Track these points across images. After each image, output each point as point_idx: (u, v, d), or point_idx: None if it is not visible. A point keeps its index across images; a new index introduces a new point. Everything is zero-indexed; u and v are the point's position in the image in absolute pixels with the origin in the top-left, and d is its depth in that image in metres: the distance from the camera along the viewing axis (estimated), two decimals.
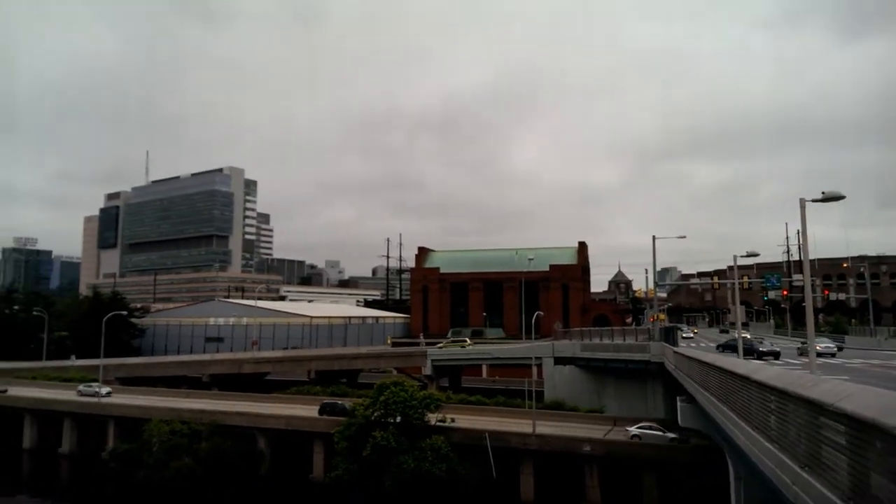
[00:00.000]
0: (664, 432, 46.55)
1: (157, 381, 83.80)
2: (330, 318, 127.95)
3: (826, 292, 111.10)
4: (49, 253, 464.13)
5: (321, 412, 58.11)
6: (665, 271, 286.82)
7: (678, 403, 39.31)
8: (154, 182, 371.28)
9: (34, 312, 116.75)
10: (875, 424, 8.07)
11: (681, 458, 43.90)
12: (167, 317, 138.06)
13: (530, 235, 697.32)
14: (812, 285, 31.98)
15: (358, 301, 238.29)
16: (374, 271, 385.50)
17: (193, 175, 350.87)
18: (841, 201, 27.66)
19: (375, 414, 49.57)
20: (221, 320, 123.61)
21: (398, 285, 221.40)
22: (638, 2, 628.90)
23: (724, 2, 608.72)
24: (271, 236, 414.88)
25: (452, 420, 50.82)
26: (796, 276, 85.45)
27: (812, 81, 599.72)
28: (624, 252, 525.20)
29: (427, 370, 79.26)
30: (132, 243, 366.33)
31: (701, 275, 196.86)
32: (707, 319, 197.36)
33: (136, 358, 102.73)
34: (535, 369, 67.55)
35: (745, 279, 68.96)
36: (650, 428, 47.77)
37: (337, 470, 48.64)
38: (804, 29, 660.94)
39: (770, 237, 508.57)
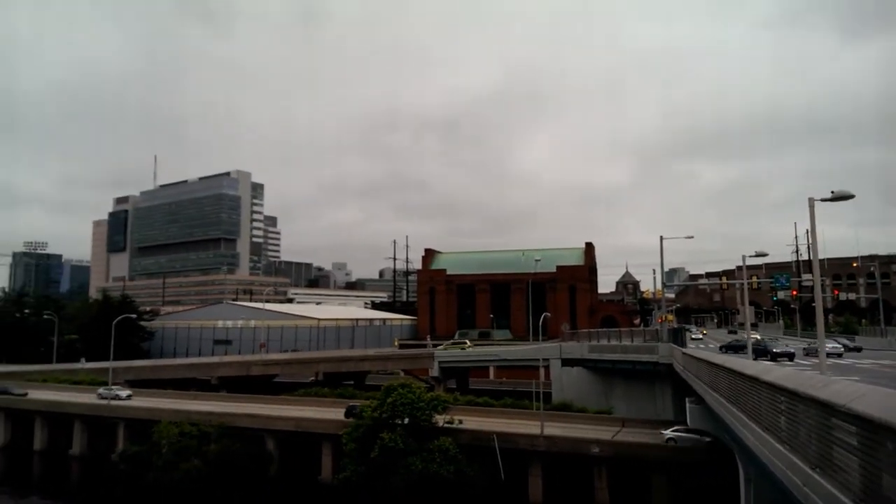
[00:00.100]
0: (700, 436, 45.00)
1: (166, 383, 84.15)
2: (337, 320, 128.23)
3: (836, 292, 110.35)
4: (59, 257, 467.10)
5: (347, 415, 57.57)
6: (673, 272, 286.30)
7: (687, 405, 39.24)
8: (162, 186, 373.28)
9: (44, 316, 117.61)
10: (887, 425, 8.02)
11: (690, 460, 43.65)
12: (176, 319, 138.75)
13: (536, 236, 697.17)
14: (822, 285, 31.77)
15: (365, 303, 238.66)
16: (381, 273, 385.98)
17: (201, 179, 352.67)
18: (851, 200, 27.48)
19: (383, 416, 49.58)
20: (230, 323, 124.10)
21: (405, 287, 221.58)
22: (639, 1, 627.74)
23: (726, 1, 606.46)
24: (279, 239, 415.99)
25: (460, 422, 50.75)
26: (806, 276, 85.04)
27: (818, 80, 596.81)
28: (631, 252, 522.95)
29: (434, 372, 79.29)
30: (141, 247, 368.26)
31: (709, 275, 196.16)
32: (716, 320, 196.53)
33: (146, 361, 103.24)
34: (542, 371, 67.43)
35: (754, 279, 68.76)
36: (686, 431, 46.55)
37: (345, 471, 48.66)
38: (807, 28, 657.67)
39: (779, 237, 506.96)
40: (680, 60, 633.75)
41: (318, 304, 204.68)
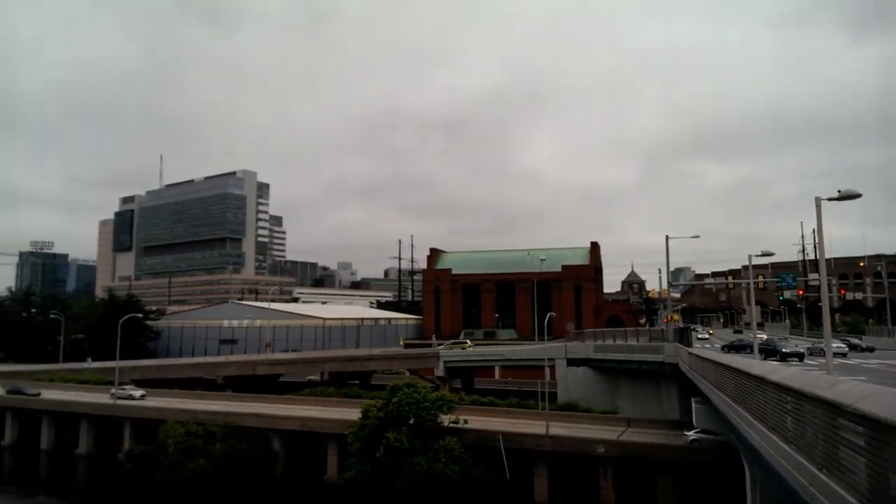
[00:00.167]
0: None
1: (172, 382, 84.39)
2: (342, 319, 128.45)
3: (842, 292, 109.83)
4: (65, 256, 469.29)
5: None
6: (679, 271, 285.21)
7: (693, 405, 39.09)
8: (168, 186, 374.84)
9: (51, 315, 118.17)
10: (894, 426, 7.99)
11: (696, 460, 43.54)
12: (182, 319, 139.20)
13: (541, 235, 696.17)
14: (828, 285, 31.65)
15: (370, 303, 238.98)
16: (387, 272, 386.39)
17: (207, 178, 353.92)
18: (857, 199, 27.34)
19: (388, 415, 49.58)
20: (235, 322, 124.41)
21: (410, 287, 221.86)
22: (640, 1, 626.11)
23: (726, 1, 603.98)
24: (284, 238, 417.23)
25: (465, 421, 50.71)
26: (812, 276, 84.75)
27: (822, 79, 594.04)
28: (637, 252, 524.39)
29: (439, 371, 79.30)
30: (147, 246, 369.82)
31: (715, 274, 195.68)
32: (722, 320, 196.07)
33: (152, 360, 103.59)
34: (547, 370, 67.36)
35: (761, 279, 68.43)
36: (708, 432, 45.89)
37: (350, 471, 48.71)
38: (811, 27, 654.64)
39: (785, 236, 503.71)
40: (682, 60, 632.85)
41: (323, 303, 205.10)
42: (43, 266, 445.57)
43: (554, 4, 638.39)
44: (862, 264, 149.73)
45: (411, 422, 48.39)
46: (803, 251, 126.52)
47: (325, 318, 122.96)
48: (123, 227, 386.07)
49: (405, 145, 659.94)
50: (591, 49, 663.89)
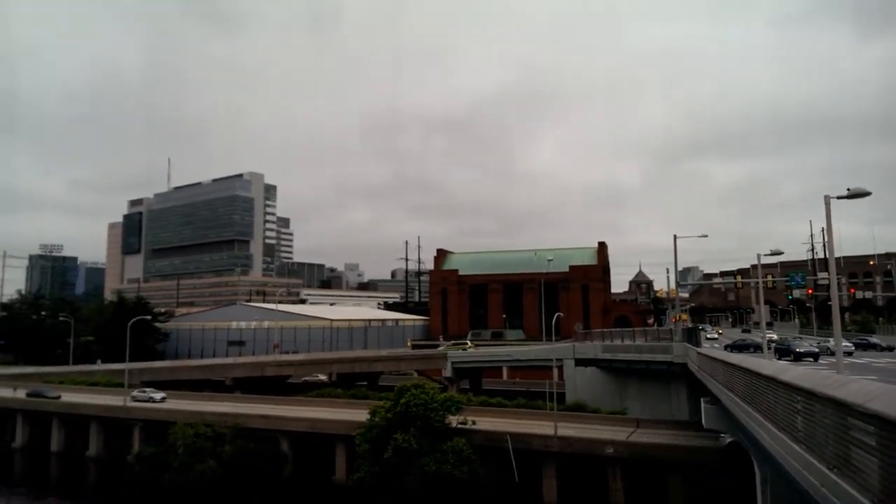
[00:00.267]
0: None
1: (181, 384, 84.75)
2: (350, 320, 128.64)
3: (852, 291, 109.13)
4: (74, 259, 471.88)
5: None
6: (687, 271, 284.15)
7: (702, 405, 38.88)
8: (176, 188, 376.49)
9: (61, 318, 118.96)
10: None
11: (706, 460, 43.39)
12: (190, 321, 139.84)
13: (548, 236, 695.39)
14: (837, 284, 31.47)
15: (378, 304, 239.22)
16: (394, 274, 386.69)
17: (214, 181, 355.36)
18: (867, 198, 27.18)
19: (396, 416, 49.63)
20: (243, 324, 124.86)
21: (417, 287, 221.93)
22: (646, 1, 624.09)
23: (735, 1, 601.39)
24: (291, 240, 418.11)
25: (473, 422, 50.72)
26: (821, 275, 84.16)
27: (830, 77, 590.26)
28: (645, 252, 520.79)
29: (447, 372, 79.30)
30: (155, 249, 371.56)
31: (723, 274, 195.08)
32: (730, 319, 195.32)
33: (161, 362, 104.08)
34: (555, 371, 67.27)
35: (769, 278, 68.06)
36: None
37: (359, 472, 48.80)
38: (817, 27, 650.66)
39: (794, 235, 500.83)
40: (685, 59, 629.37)
41: (331, 304, 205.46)
42: (52, 269, 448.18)
43: (554, 4, 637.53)
44: (872, 263, 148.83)
45: (419, 423, 48.41)
46: (812, 250, 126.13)
47: (332, 320, 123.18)
48: (132, 230, 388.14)
49: (410, 146, 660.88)
50: (601, 49, 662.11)
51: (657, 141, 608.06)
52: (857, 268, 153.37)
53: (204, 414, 61.86)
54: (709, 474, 42.43)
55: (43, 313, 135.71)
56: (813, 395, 12.85)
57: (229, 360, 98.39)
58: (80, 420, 70.28)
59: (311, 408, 66.45)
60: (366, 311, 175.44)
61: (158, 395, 71.96)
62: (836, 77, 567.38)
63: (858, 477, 9.96)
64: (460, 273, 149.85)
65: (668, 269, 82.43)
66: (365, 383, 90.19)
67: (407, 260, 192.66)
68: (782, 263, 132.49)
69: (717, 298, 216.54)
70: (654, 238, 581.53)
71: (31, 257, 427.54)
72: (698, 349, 47.80)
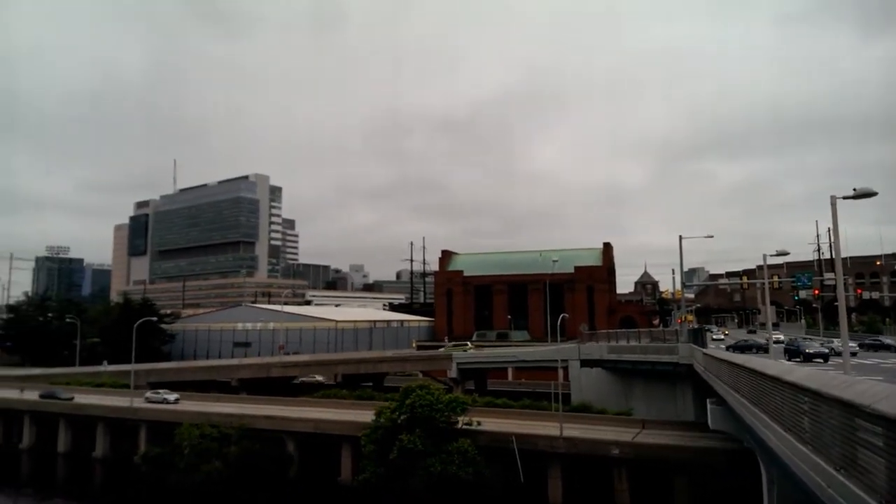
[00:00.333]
0: None
1: (187, 385, 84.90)
2: (355, 322, 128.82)
3: (859, 291, 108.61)
4: (80, 261, 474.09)
5: None
6: (692, 271, 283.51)
7: (708, 406, 38.81)
8: (182, 190, 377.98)
9: (67, 319, 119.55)
10: None
11: (712, 461, 43.24)
12: (196, 322, 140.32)
13: (553, 236, 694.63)
14: (844, 284, 31.34)
15: (383, 305, 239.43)
16: (399, 275, 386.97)
17: (220, 183, 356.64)
18: (874, 197, 27.07)
19: (402, 417, 49.67)
20: (249, 325, 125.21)
21: (422, 288, 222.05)
22: (650, 1, 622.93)
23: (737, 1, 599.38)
24: (297, 242, 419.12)
25: (479, 423, 50.69)
26: (828, 275, 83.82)
27: (832, 76, 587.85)
28: (650, 252, 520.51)
29: (452, 373, 79.24)
30: (161, 250, 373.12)
31: (729, 274, 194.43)
32: (736, 320, 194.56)
33: (167, 363, 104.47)
34: (561, 372, 67.14)
35: (776, 278, 67.92)
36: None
37: (364, 473, 48.80)
38: (819, 27, 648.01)
39: (797, 234, 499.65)
40: (686, 59, 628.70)
41: (336, 306, 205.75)
42: (59, 271, 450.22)
43: (554, 4, 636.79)
44: (878, 263, 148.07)
45: (424, 424, 48.40)
46: (818, 250, 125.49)
47: (337, 321, 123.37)
48: (138, 232, 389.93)
49: (414, 147, 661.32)
50: (606, 49, 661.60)
51: (658, 141, 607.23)
52: (863, 268, 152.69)
53: (210, 415, 62.00)
54: (715, 475, 42.28)
55: (49, 315, 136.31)
56: (819, 395, 12.82)
57: (235, 362, 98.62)
58: (86, 421, 70.50)
59: (317, 409, 66.50)
60: (371, 312, 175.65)
61: (172, 397, 71.94)
62: (836, 77, 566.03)
63: (865, 478, 9.93)
64: (465, 274, 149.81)
65: (673, 270, 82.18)
66: (370, 384, 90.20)
67: (412, 261, 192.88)
68: (788, 264, 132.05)
69: (723, 299, 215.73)
70: (657, 238, 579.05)
71: (37, 259, 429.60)
72: (704, 350, 47.65)
